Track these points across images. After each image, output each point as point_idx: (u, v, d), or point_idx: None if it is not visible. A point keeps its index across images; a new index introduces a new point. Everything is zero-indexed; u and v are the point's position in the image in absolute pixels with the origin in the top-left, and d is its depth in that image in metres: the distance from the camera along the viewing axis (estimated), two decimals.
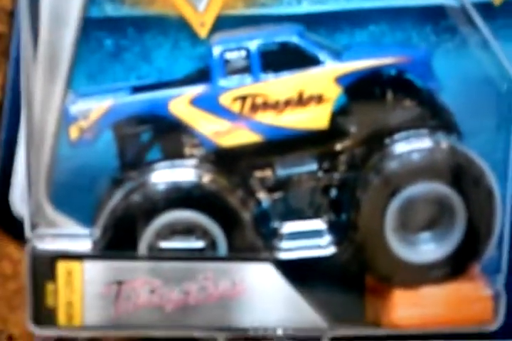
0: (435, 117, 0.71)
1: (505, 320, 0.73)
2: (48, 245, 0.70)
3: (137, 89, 0.70)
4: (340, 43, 0.71)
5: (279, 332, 0.71)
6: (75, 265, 0.69)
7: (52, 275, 0.69)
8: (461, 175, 0.70)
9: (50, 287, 0.69)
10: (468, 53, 0.71)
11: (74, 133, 0.69)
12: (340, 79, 0.69)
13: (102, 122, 0.69)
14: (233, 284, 0.69)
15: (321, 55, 0.69)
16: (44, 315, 0.70)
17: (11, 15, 0.70)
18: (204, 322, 0.70)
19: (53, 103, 0.69)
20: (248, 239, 0.70)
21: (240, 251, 0.70)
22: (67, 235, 0.71)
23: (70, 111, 0.69)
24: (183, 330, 0.70)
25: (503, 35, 0.71)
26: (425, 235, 0.71)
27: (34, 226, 0.71)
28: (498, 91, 0.71)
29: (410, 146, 0.70)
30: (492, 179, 0.70)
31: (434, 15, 0.70)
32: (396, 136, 0.70)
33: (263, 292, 0.70)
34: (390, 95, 0.70)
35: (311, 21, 0.70)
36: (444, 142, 0.70)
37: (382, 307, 0.72)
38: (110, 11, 0.69)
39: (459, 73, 0.71)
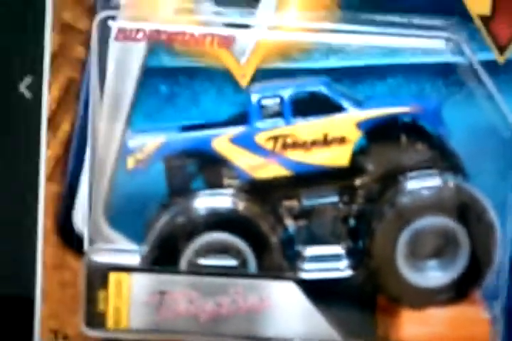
0: (444, 160, 0.76)
1: None
2: (102, 258, 0.76)
3: (186, 128, 0.76)
4: (362, 94, 0.75)
5: None
6: (124, 276, 0.74)
7: (104, 285, 0.74)
8: (465, 211, 0.73)
9: (102, 294, 0.74)
10: (475, 104, 0.75)
11: (131, 163, 0.75)
12: (360, 125, 0.74)
13: (155, 155, 0.75)
14: (260, 299, 0.74)
15: (345, 103, 0.75)
16: (95, 318, 0.74)
17: (84, 63, 0.76)
18: (233, 331, 0.74)
19: (114, 138, 0.75)
20: (275, 259, 0.75)
21: (268, 270, 0.74)
22: (120, 250, 0.76)
23: (128, 145, 0.75)
24: (215, 338, 0.75)
25: (506, 90, 0.75)
26: (432, 263, 0.74)
27: (92, 242, 0.77)
28: (501, 139, 0.75)
29: (421, 184, 0.74)
30: (493, 215, 0.75)
31: (445, 71, 0.74)
32: (409, 175, 0.75)
33: (286, 307, 0.74)
34: (404, 139, 0.75)
35: (337, 74, 0.74)
36: (452, 181, 0.74)
37: (392, 325, 0.75)
38: (166, 61, 0.75)
39: (467, 122, 0.75)
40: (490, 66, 0.73)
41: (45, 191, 0.78)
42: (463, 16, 0.75)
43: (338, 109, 0.74)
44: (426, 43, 0.74)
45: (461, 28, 0.75)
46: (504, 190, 0.77)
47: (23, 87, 0.77)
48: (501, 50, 0.76)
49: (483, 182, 0.76)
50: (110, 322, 0.74)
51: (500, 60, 0.75)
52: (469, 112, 0.74)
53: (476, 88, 0.75)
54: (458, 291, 0.74)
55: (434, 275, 0.74)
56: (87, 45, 0.75)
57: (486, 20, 0.75)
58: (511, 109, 0.75)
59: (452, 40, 0.74)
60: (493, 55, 0.75)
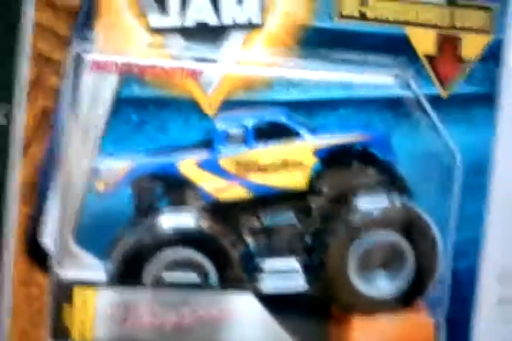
0: (392, 182, 0.80)
1: None
2: (69, 274, 0.77)
3: (154, 153, 0.78)
4: (318, 123, 0.79)
5: None
6: (90, 291, 0.76)
7: (70, 300, 0.75)
8: (411, 227, 0.78)
9: (67, 309, 0.76)
10: (420, 134, 0.79)
11: (100, 186, 0.78)
12: (317, 152, 0.79)
13: (124, 179, 0.78)
14: (221, 310, 0.76)
15: (302, 132, 0.79)
16: (61, 332, 0.76)
17: (58, 93, 0.77)
18: None
19: (85, 162, 0.77)
20: (235, 273, 0.77)
21: (228, 283, 0.77)
22: (86, 266, 0.78)
23: (98, 168, 0.78)
24: None
25: (448, 121, 0.80)
26: (381, 274, 0.80)
27: (59, 258, 0.79)
28: (442, 164, 0.80)
29: (371, 204, 0.79)
30: (436, 231, 0.79)
31: (394, 104, 0.79)
32: (359, 196, 0.80)
33: (246, 317, 0.76)
34: (355, 164, 0.80)
35: (295, 105, 0.78)
36: (398, 202, 0.79)
37: (345, 333, 0.79)
38: (137, 92, 0.77)
39: (412, 149, 0.79)
40: (434, 100, 0.79)
41: (16, 212, 0.80)
42: (411, 55, 0.81)
43: (296, 136, 0.78)
44: (377, 79, 0.80)
45: (409, 66, 0.81)
46: (445, 208, 0.82)
47: None
48: (444, 85, 0.82)
49: (426, 202, 0.80)
50: (75, 336, 0.76)
51: (444, 94, 0.82)
52: (415, 140, 0.79)
53: (422, 119, 0.80)
54: (404, 300, 0.79)
55: (383, 286, 0.79)
56: (61, 76, 0.78)
57: (431, 59, 0.81)
58: (452, 138, 0.81)
59: (401, 76, 0.80)
60: (437, 90, 0.81)
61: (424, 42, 0.80)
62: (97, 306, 0.75)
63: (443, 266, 0.79)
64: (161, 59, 0.77)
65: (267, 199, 0.78)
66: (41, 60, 0.77)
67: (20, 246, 0.80)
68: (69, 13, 0.77)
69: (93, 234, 0.78)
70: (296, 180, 0.78)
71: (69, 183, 0.78)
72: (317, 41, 0.79)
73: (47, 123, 0.79)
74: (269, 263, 0.79)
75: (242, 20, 0.78)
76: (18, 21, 0.75)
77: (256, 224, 0.79)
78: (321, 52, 0.79)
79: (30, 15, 0.76)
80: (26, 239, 0.80)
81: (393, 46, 0.80)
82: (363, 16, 0.80)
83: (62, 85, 0.75)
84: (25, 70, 0.77)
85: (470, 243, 0.83)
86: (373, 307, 0.78)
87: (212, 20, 0.78)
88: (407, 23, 0.80)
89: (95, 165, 0.78)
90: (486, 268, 0.83)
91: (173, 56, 0.78)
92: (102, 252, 0.78)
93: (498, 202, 0.84)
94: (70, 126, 0.78)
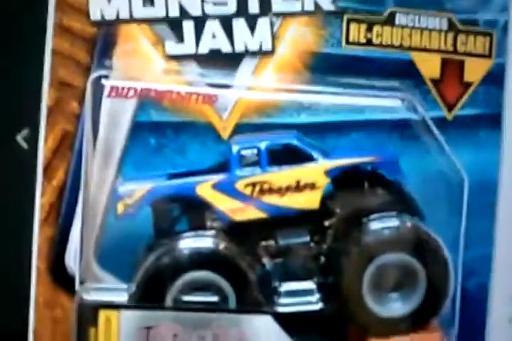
0: (402, 203, 0.80)
1: None
2: (92, 296, 0.79)
3: (172, 176, 0.80)
4: (329, 146, 0.81)
5: None
6: (113, 313, 0.77)
7: (94, 322, 0.76)
8: (422, 247, 0.78)
9: (92, 331, 0.76)
10: (427, 155, 0.81)
11: (120, 208, 0.80)
12: (328, 172, 0.81)
13: (143, 201, 0.80)
14: (240, 332, 0.76)
15: (314, 154, 0.81)
16: None
17: (78, 117, 0.80)
18: None
19: (106, 185, 0.79)
20: (253, 295, 0.78)
21: (247, 305, 0.77)
22: (109, 289, 0.81)
23: (118, 191, 0.79)
24: None
25: (454, 142, 0.82)
26: (394, 295, 0.79)
27: (83, 282, 0.81)
28: (450, 184, 0.82)
29: (382, 224, 0.79)
30: (446, 251, 0.79)
31: (401, 126, 0.81)
32: (371, 217, 0.80)
33: (264, 339, 0.77)
34: (366, 185, 0.81)
35: (307, 129, 0.80)
36: (409, 222, 0.79)
37: None
38: (154, 116, 0.80)
39: (421, 170, 0.81)
40: (440, 122, 0.81)
41: (39, 234, 0.82)
42: (416, 79, 0.85)
43: (308, 158, 0.80)
44: (384, 102, 0.83)
45: (414, 89, 0.85)
46: (455, 228, 0.84)
47: (20, 138, 0.82)
48: (450, 108, 0.85)
49: (435, 221, 0.81)
50: None
51: (449, 116, 0.84)
52: (423, 161, 0.81)
53: (429, 140, 0.82)
54: (417, 320, 0.79)
55: (396, 306, 0.79)
56: (81, 101, 0.81)
57: (436, 82, 0.84)
58: (459, 158, 0.84)
59: (407, 99, 0.84)
60: (443, 112, 0.84)
61: (428, 66, 0.83)
62: (120, 328, 0.75)
63: (454, 286, 0.79)
64: (177, 85, 0.81)
65: (282, 221, 0.79)
66: (61, 85, 0.81)
67: (44, 268, 0.82)
68: (88, 42, 0.81)
69: (115, 256, 0.80)
70: (309, 200, 0.79)
71: (90, 206, 0.81)
72: (326, 66, 0.83)
73: (67, 146, 0.82)
74: (286, 285, 0.80)
75: (254, 47, 0.82)
76: (41, 50, 0.80)
77: (272, 244, 0.80)
78: (329, 77, 0.82)
79: (50, 44, 0.80)
80: (50, 262, 0.82)
81: (399, 70, 0.83)
82: (369, 42, 0.83)
83: (82, 110, 0.78)
84: (46, 96, 0.80)
85: (480, 261, 0.84)
86: (388, 328, 0.78)
87: (225, 47, 0.82)
88: (412, 49, 0.83)
89: (115, 188, 0.81)
90: (497, 287, 0.84)
91: (189, 82, 0.81)
92: (124, 274, 0.79)
93: (506, 220, 0.86)
94: (90, 149, 0.81)
